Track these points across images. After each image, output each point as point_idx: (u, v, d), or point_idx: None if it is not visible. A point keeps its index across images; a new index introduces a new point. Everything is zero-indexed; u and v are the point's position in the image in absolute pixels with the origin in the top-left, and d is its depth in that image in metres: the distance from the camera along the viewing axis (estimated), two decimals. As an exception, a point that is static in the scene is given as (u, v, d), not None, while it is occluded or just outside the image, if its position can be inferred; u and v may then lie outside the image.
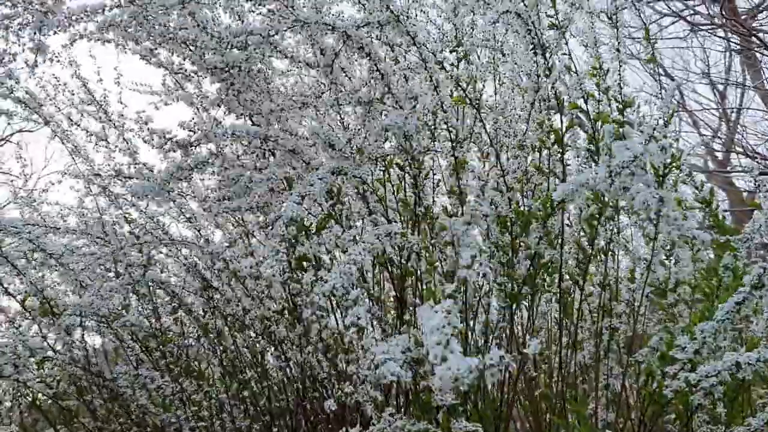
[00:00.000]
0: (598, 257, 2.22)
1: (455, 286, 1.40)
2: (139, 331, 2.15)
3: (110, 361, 2.23)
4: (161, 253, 2.31)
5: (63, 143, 2.24)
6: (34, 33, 1.37)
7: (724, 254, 1.99)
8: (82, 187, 2.36)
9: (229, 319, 2.17)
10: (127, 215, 2.30)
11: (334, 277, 1.22)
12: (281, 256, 1.28)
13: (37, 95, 2.09)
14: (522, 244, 2.05)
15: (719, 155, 9.19)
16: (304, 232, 1.58)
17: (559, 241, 2.06)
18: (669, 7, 8.84)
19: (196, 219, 2.22)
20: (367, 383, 1.40)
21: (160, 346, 2.20)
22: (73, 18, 1.42)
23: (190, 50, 1.53)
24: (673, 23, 9.19)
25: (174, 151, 1.58)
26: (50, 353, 2.01)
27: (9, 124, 8.75)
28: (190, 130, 1.59)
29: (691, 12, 9.31)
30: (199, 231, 2.11)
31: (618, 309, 2.32)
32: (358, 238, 1.48)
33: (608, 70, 2.24)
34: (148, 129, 1.64)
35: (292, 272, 1.71)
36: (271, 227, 1.61)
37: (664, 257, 2.37)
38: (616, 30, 2.21)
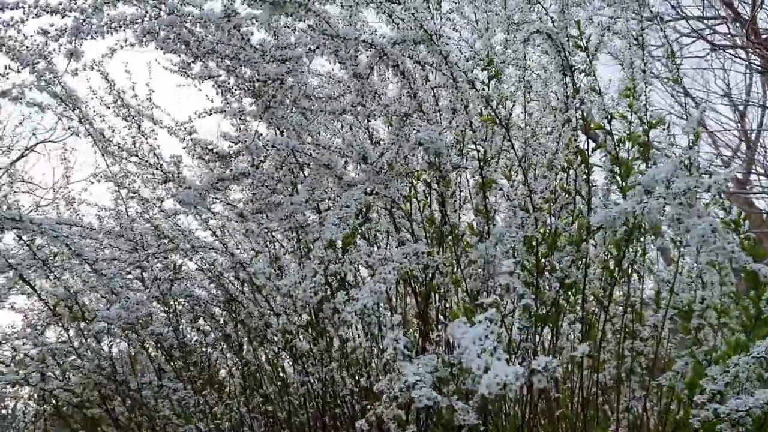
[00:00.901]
0: (623, 279, 2.21)
1: (496, 297, 1.40)
2: (164, 341, 2.16)
3: (134, 370, 2.24)
4: (187, 265, 2.33)
5: (95, 144, 2.26)
6: (72, 38, 1.40)
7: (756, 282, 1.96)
8: (113, 191, 2.38)
9: (251, 333, 2.18)
10: (154, 221, 2.32)
11: (365, 295, 1.24)
12: (319, 278, 1.29)
13: (74, 92, 2.10)
14: (548, 264, 2.05)
15: (739, 175, 9.11)
16: (334, 250, 1.59)
17: (584, 261, 2.06)
18: (690, 26, 8.83)
19: (223, 231, 2.23)
20: (390, 400, 1.40)
21: (184, 357, 2.21)
22: (113, 25, 1.45)
23: (228, 63, 1.56)
24: (693, 42, 9.17)
25: (214, 162, 1.60)
26: (78, 362, 2.03)
27: (34, 134, 8.87)
28: (231, 141, 1.61)
29: (711, 32, 9.29)
30: (225, 245, 2.12)
31: (642, 332, 2.31)
32: (387, 257, 1.49)
33: (635, 90, 2.24)
34: (191, 139, 1.67)
35: (330, 292, 1.72)
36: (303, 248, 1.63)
37: (689, 280, 2.36)
38: (642, 50, 2.21)
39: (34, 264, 2.10)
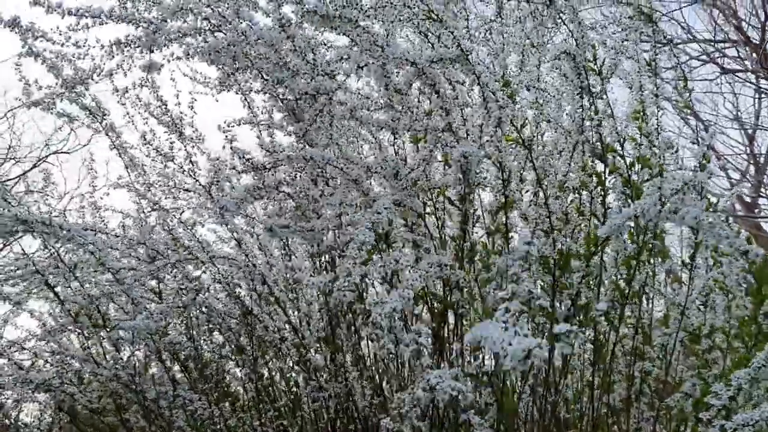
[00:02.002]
0: (634, 300, 2.23)
1: (512, 291, 1.45)
2: (181, 351, 2.19)
3: (151, 380, 2.27)
4: (204, 274, 2.36)
5: (120, 155, 2.31)
6: (145, 51, 1.46)
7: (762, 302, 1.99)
8: (135, 201, 2.43)
9: (266, 346, 2.20)
10: (173, 233, 2.36)
11: (395, 299, 1.29)
12: (355, 277, 1.34)
13: (102, 105, 2.15)
14: (560, 284, 2.07)
15: (747, 199, 9.11)
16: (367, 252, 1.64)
17: (596, 281, 2.09)
18: (702, 49, 8.88)
19: (240, 244, 2.27)
20: (412, 414, 1.43)
21: (200, 369, 2.23)
22: (171, 38, 1.50)
23: (272, 78, 1.61)
24: (703, 65, 9.22)
25: (250, 172, 1.65)
26: (96, 369, 2.05)
27: (47, 144, 8.97)
28: (268, 151, 1.66)
29: (721, 55, 9.35)
30: (247, 255, 2.16)
31: (651, 353, 2.32)
32: (413, 265, 1.53)
33: (647, 113, 2.27)
34: (232, 148, 1.72)
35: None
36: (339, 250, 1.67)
37: (700, 303, 2.38)
38: (654, 75, 2.25)
39: (57, 271, 2.14)
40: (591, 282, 2.07)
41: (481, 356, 1.84)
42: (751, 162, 9.22)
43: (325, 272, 2.07)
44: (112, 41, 1.64)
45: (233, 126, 2.06)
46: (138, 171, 2.38)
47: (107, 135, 2.27)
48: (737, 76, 9.09)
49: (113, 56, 1.66)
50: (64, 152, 9.06)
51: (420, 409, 1.36)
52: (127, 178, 2.44)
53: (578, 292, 2.00)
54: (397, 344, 1.33)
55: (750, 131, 9.39)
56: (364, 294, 1.88)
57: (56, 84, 1.97)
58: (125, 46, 1.63)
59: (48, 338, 2.20)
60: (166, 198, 2.43)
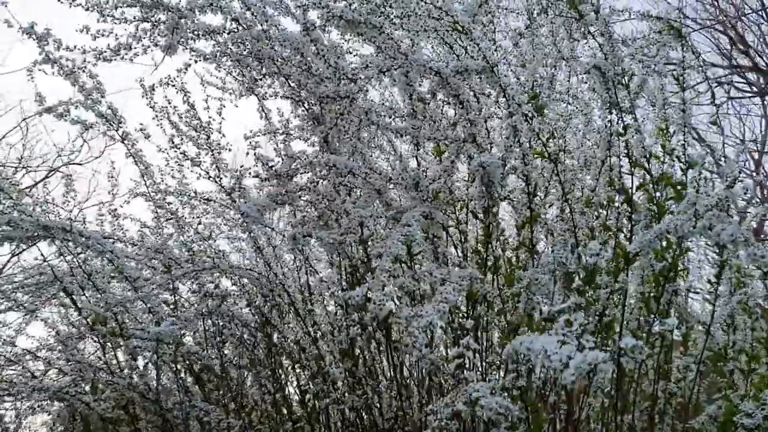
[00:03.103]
0: (660, 317, 2.20)
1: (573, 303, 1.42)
2: (197, 362, 2.15)
3: (166, 390, 2.23)
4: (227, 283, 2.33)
5: (135, 163, 2.29)
6: (169, 33, 1.45)
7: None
8: (152, 210, 2.40)
9: (285, 357, 2.17)
10: (189, 244, 2.33)
11: (430, 312, 1.26)
12: (389, 290, 1.32)
13: (118, 112, 2.14)
14: (585, 299, 2.04)
15: (753, 224, 9.09)
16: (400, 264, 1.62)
17: (622, 297, 2.06)
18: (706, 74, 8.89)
19: (259, 253, 2.24)
20: (452, 426, 1.40)
21: (216, 381, 2.20)
22: (196, 33, 1.50)
23: (294, 82, 1.60)
24: (712, 88, 9.24)
25: (272, 179, 1.63)
26: (111, 378, 2.02)
27: (59, 155, 9.00)
28: (290, 157, 1.64)
29: (729, 80, 9.40)
30: (269, 264, 2.13)
31: (675, 373, 2.29)
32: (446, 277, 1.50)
33: (674, 132, 2.26)
34: (255, 155, 1.71)
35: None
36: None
37: (725, 325, 2.35)
38: (682, 91, 2.24)
39: (74, 279, 2.12)
40: (617, 299, 2.04)
41: (509, 370, 1.80)
42: (758, 185, 9.21)
43: (346, 282, 2.04)
44: (135, 18, 1.63)
45: (258, 135, 2.04)
46: (153, 180, 2.36)
47: (123, 143, 2.25)
48: (744, 100, 9.13)
49: (138, 37, 1.64)
50: (77, 163, 9.11)
51: (459, 422, 1.33)
52: (143, 187, 2.42)
53: (604, 309, 1.96)
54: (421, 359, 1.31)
55: (756, 156, 9.39)
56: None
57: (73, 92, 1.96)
58: (151, 27, 1.62)
59: (63, 346, 2.16)
60: (183, 208, 2.41)
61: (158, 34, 1.58)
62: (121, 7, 1.58)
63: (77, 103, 2.10)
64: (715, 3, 9.26)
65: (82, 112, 2.14)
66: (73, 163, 9.13)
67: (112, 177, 2.46)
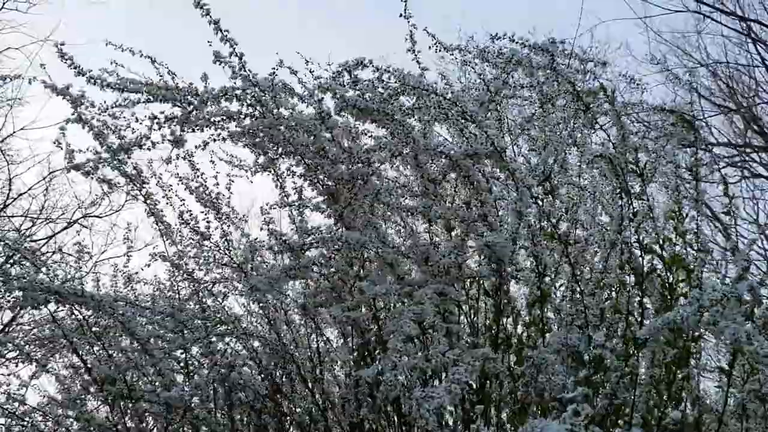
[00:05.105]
0: (673, 402, 2.17)
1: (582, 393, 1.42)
2: (204, 426, 2.14)
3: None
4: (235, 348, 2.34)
5: (156, 224, 2.33)
6: (179, 126, 1.53)
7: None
8: (167, 271, 2.44)
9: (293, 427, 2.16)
10: (204, 305, 2.36)
11: (442, 394, 1.27)
12: (400, 370, 1.33)
13: (143, 173, 2.20)
14: (593, 382, 2.03)
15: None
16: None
17: (633, 380, 2.04)
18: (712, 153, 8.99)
19: (270, 322, 2.27)
20: None
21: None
22: (211, 120, 1.58)
23: (309, 164, 1.67)
24: (725, 167, 9.30)
25: (285, 252, 1.68)
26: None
27: (79, 207, 9.18)
28: (305, 233, 1.69)
29: (742, 159, 9.46)
30: (279, 334, 2.15)
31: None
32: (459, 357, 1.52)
33: (686, 216, 2.29)
34: (269, 229, 1.76)
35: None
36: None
37: (738, 413, 2.31)
38: (696, 181, 2.29)
39: (83, 337, 2.15)
40: (627, 382, 2.03)
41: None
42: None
43: (357, 355, 2.04)
44: (148, 116, 1.73)
45: (273, 208, 2.10)
46: (172, 240, 2.41)
47: (145, 202, 2.31)
48: (758, 179, 9.16)
49: (152, 129, 1.74)
50: (96, 216, 9.26)
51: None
52: (162, 248, 2.46)
53: (614, 393, 1.95)
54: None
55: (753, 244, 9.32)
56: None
57: (100, 150, 2.05)
58: (165, 121, 1.71)
59: (72, 404, 2.17)
60: (200, 269, 2.45)
61: (167, 126, 1.67)
62: (137, 104, 1.69)
63: (104, 162, 2.18)
64: (730, 85, 9.45)
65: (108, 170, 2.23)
66: (92, 216, 9.29)
67: (127, 238, 2.52)
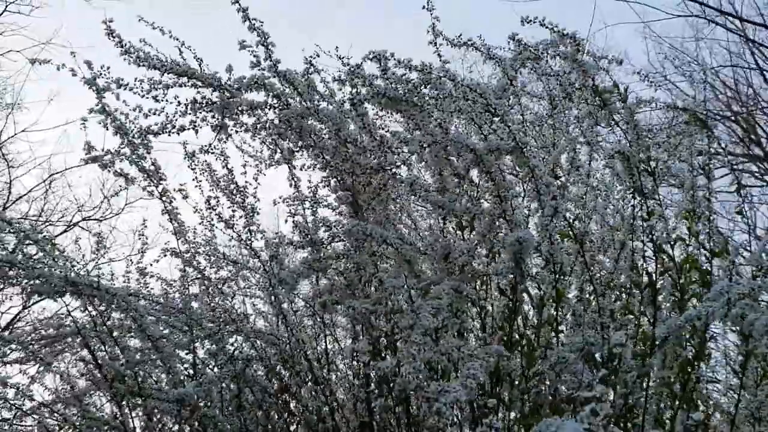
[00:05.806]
0: (686, 404, 2.16)
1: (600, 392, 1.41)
2: (215, 424, 2.11)
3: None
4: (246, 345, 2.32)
5: (170, 221, 2.31)
6: (219, 114, 1.53)
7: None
8: (179, 269, 2.42)
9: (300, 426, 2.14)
10: (213, 304, 2.34)
11: (457, 389, 1.26)
12: (418, 363, 1.32)
13: (161, 169, 2.18)
14: (608, 382, 2.02)
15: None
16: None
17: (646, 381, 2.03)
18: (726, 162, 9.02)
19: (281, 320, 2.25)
20: None
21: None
22: (239, 109, 1.58)
23: (327, 156, 1.66)
24: (724, 176, 9.33)
25: (307, 247, 1.68)
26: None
27: (79, 210, 9.17)
28: (327, 226, 1.69)
29: (741, 168, 9.50)
30: (292, 331, 2.14)
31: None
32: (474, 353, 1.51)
33: (699, 216, 2.28)
34: (294, 222, 1.75)
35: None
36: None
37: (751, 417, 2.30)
38: (708, 180, 2.28)
39: (95, 333, 2.13)
40: (642, 381, 2.02)
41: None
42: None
43: (369, 352, 2.02)
44: (188, 99, 1.73)
45: (287, 202, 2.09)
46: (185, 238, 2.39)
47: (161, 199, 2.28)
48: (756, 187, 9.20)
49: (187, 114, 1.75)
50: (95, 219, 9.25)
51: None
52: (173, 243, 2.44)
53: (630, 392, 1.94)
54: None
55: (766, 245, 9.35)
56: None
57: (121, 144, 2.04)
58: (200, 107, 1.72)
59: (78, 402, 2.15)
60: (211, 267, 2.44)
61: (207, 111, 1.67)
62: (172, 87, 1.69)
63: (123, 156, 2.15)
64: (728, 94, 9.50)
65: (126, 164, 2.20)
66: (92, 219, 9.27)
67: (141, 235, 2.51)
